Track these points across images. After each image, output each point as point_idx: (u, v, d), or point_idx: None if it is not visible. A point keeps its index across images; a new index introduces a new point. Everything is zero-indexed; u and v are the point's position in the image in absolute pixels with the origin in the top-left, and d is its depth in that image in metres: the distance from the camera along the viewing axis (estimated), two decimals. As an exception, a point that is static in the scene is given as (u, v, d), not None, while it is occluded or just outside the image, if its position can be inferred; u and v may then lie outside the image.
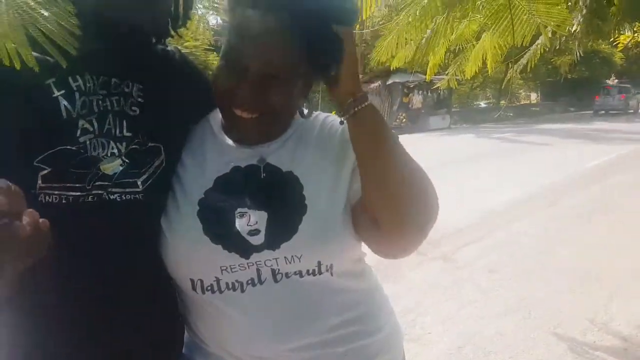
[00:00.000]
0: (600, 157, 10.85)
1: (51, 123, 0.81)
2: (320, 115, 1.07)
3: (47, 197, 0.79)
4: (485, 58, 2.64)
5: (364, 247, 1.02)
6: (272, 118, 0.92)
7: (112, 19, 0.83)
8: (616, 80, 32.59)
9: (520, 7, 2.01)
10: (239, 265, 0.90)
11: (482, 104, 36.40)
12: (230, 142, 0.99)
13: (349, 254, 0.99)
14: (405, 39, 2.54)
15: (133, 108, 0.91)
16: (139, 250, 0.92)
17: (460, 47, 2.91)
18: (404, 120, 20.55)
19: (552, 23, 1.97)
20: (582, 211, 6.38)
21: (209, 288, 0.93)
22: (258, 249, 0.90)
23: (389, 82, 20.62)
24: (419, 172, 0.94)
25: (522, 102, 40.28)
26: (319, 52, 0.87)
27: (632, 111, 29.12)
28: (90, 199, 0.83)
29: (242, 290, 0.92)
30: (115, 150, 0.86)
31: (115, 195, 0.85)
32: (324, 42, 0.86)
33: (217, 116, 1.03)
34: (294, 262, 0.91)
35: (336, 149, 0.99)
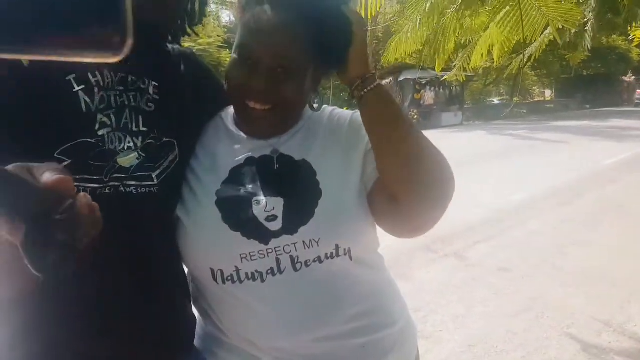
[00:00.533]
0: (616, 155, 10.71)
1: (71, 116, 0.83)
2: (327, 108, 1.11)
3: None
4: (492, 49, 2.62)
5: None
6: (284, 110, 0.96)
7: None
8: (633, 77, 32.15)
9: (530, 3, 1.99)
10: (258, 252, 0.92)
11: (495, 101, 36.15)
12: (243, 135, 1.03)
13: (365, 238, 1.01)
14: (415, 34, 2.54)
15: (149, 104, 0.94)
16: (154, 243, 0.94)
17: (469, 39, 2.89)
18: (416, 117, 20.46)
19: (560, 18, 1.95)
20: (597, 210, 6.30)
21: (229, 278, 0.94)
22: (276, 234, 0.93)
23: (401, 78, 20.56)
24: (433, 148, 0.95)
25: (536, 99, 39.95)
26: (328, 44, 0.92)
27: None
28: (107, 191, 0.85)
29: (262, 280, 0.93)
30: (132, 144, 0.89)
31: (132, 188, 0.88)
32: (332, 35, 0.91)
33: (229, 112, 1.08)
34: (312, 246, 0.93)
35: (345, 135, 1.03)
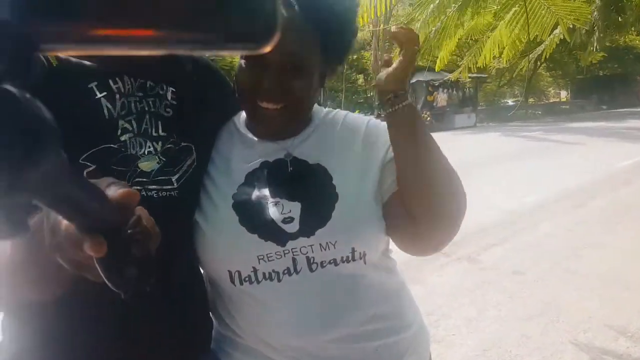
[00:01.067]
0: (631, 157, 10.53)
1: (94, 123, 0.86)
2: (340, 112, 1.12)
3: None
4: (501, 48, 2.60)
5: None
6: (296, 109, 0.98)
7: None
8: (650, 78, 31.69)
9: (538, 2, 1.97)
10: (275, 253, 0.94)
11: (510, 102, 35.87)
12: (255, 139, 1.05)
13: (379, 243, 1.02)
14: (421, 33, 2.53)
15: (167, 110, 0.96)
16: (174, 246, 0.94)
17: (474, 39, 2.87)
18: (428, 118, 20.38)
19: (570, 17, 1.92)
20: (612, 213, 6.19)
21: (246, 279, 0.96)
22: (293, 236, 0.94)
23: (413, 80, 20.48)
24: (450, 167, 0.98)
25: (551, 100, 39.56)
26: (334, 42, 0.96)
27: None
28: None
29: (279, 280, 0.95)
30: (152, 149, 0.91)
31: (153, 192, 0.90)
32: (335, 32, 0.96)
33: (241, 116, 1.10)
34: (328, 248, 0.94)
35: (362, 142, 1.05)
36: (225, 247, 0.96)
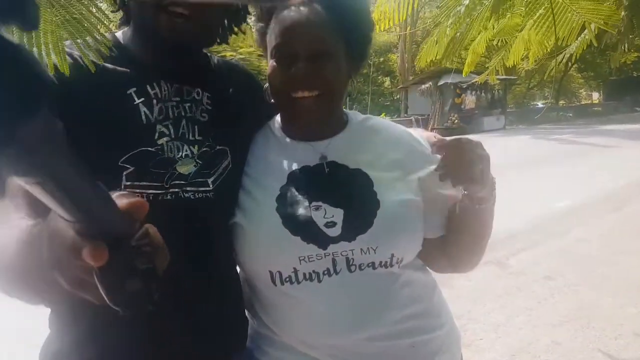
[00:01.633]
0: (669, 159, 10.23)
1: (132, 127, 0.89)
2: (379, 120, 1.16)
3: None
4: (528, 49, 2.56)
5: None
6: (328, 96, 1.00)
7: (169, 38, 0.90)
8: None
9: (564, 5, 1.94)
10: (316, 255, 0.96)
11: (539, 104, 35.17)
12: (293, 142, 1.08)
13: (417, 250, 1.05)
14: (445, 37, 2.52)
15: (203, 114, 0.99)
16: (210, 246, 0.99)
17: (503, 41, 2.84)
18: (456, 121, 20.15)
19: (597, 20, 1.89)
20: (648, 218, 6.03)
21: (287, 279, 0.98)
22: (335, 240, 0.97)
23: (440, 82, 20.30)
24: (492, 222, 1.08)
25: (582, 102, 38.65)
26: (354, 26, 1.01)
27: None
28: (168, 197, 0.90)
29: (319, 281, 0.97)
30: (189, 152, 0.94)
31: (189, 193, 0.93)
32: (356, 17, 1.01)
33: (276, 120, 1.13)
34: (369, 253, 0.97)
35: (405, 155, 1.08)
36: (267, 248, 0.99)
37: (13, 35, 0.71)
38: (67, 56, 0.80)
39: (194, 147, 0.95)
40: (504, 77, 21.66)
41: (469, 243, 1.08)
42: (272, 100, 1.04)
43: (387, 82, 30.54)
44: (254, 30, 1.08)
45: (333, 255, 0.96)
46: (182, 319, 0.94)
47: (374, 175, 1.02)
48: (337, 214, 0.98)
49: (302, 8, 0.97)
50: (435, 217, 1.07)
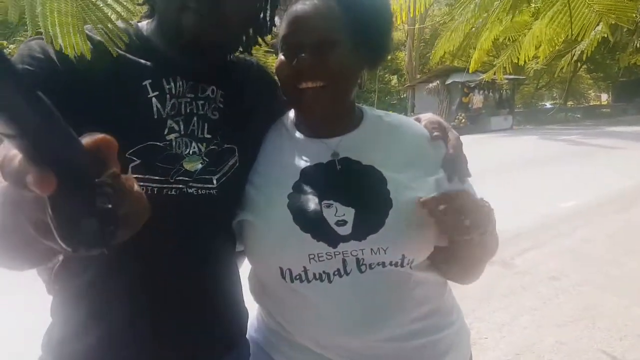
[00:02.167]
0: (677, 162, 10.16)
1: (144, 121, 0.89)
2: (396, 116, 1.15)
3: None
4: (539, 46, 2.55)
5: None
6: (334, 87, 0.98)
7: (191, 38, 0.90)
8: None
9: (581, 0, 1.94)
10: (325, 254, 0.95)
11: (548, 105, 34.96)
12: (305, 138, 1.07)
13: (429, 251, 1.02)
14: (458, 33, 2.52)
15: (214, 112, 1.00)
16: (211, 241, 0.99)
17: (510, 39, 2.82)
18: (463, 120, 20.08)
19: (612, 15, 1.88)
20: (655, 219, 5.99)
21: (297, 277, 0.98)
22: (345, 239, 0.95)
23: (448, 81, 20.24)
24: (495, 244, 1.07)
25: (591, 103, 38.40)
26: (367, 17, 0.98)
27: None
28: (172, 192, 0.90)
29: (330, 281, 0.96)
30: (197, 150, 0.94)
31: (193, 189, 0.93)
32: (370, 8, 0.99)
33: (289, 117, 1.12)
34: (379, 253, 0.95)
35: (419, 154, 1.06)
36: (277, 243, 0.98)
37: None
38: (87, 40, 0.81)
39: (202, 145, 0.95)
40: (513, 76, 21.54)
41: (461, 271, 1.09)
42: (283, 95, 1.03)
43: (394, 80, 30.45)
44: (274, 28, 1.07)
45: (343, 255, 0.95)
46: (181, 311, 0.95)
47: (387, 174, 1.00)
48: (348, 213, 0.97)
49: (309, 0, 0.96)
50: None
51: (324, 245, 0.95)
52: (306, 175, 1.02)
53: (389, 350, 0.99)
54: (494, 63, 3.04)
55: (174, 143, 0.91)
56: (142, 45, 0.94)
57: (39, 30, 0.79)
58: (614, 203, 6.87)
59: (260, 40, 1.10)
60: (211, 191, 0.95)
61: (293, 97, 1.00)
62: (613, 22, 1.96)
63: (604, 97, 39.95)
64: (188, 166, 0.92)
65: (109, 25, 0.82)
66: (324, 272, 0.96)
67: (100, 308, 0.91)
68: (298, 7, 0.97)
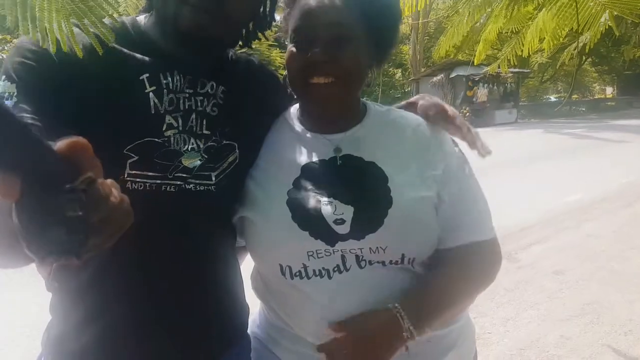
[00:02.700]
0: (683, 155, 10.10)
1: (141, 116, 0.88)
2: (396, 112, 1.12)
3: (133, 185, 0.86)
4: (543, 38, 2.54)
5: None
6: (346, 83, 0.97)
7: (190, 32, 0.89)
8: None
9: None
10: (324, 251, 0.95)
11: (552, 98, 34.81)
12: (308, 133, 1.06)
13: (430, 250, 1.00)
14: (463, 27, 2.51)
15: (213, 109, 0.98)
16: (208, 237, 0.99)
17: (514, 30, 2.80)
18: (467, 114, 20.00)
19: (615, 7, 1.87)
20: (660, 213, 5.97)
21: (297, 274, 0.98)
22: (343, 237, 0.95)
23: (452, 75, 20.15)
24: (469, 295, 1.04)
25: (596, 97, 38.20)
26: (379, 13, 0.98)
27: None
28: (171, 189, 0.90)
29: (329, 277, 0.96)
30: (195, 146, 0.93)
31: (191, 185, 0.92)
32: (382, 4, 0.98)
33: (292, 111, 1.11)
34: (378, 252, 0.95)
35: (422, 150, 1.04)
36: (275, 241, 0.98)
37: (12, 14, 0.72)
38: (79, 35, 0.79)
39: (200, 141, 0.94)
40: (517, 70, 21.41)
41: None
42: (290, 88, 1.02)
43: (399, 74, 30.33)
44: (280, 16, 1.05)
45: (342, 252, 0.95)
46: (181, 307, 0.95)
47: (389, 171, 0.99)
48: (347, 211, 0.95)
49: None
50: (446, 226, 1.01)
51: (322, 243, 0.95)
52: (307, 172, 1.01)
53: None
54: (498, 56, 3.02)
55: (172, 139, 0.90)
56: (139, 40, 0.93)
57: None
58: (619, 197, 6.84)
59: (260, 35, 1.09)
60: (210, 187, 0.95)
61: (302, 90, 0.99)
62: (617, 14, 1.95)
63: (609, 91, 39.73)
64: (187, 162, 0.91)
65: (93, 19, 0.79)
66: (323, 268, 0.96)
67: (99, 305, 0.91)
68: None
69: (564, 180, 8.03)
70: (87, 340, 0.91)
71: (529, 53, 2.73)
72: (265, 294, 1.12)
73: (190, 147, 0.92)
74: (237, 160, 1.00)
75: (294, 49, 0.97)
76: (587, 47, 2.85)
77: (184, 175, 0.91)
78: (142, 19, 0.98)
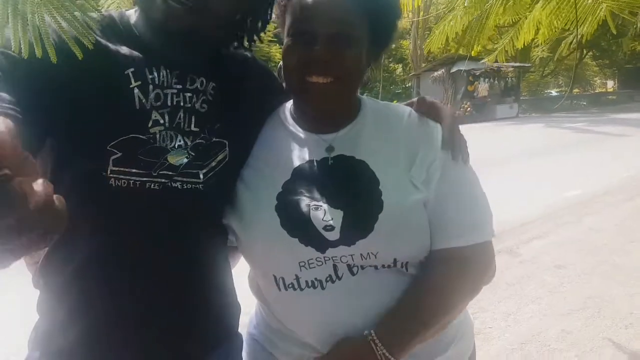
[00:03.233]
0: (684, 149, 10.08)
1: (125, 111, 0.86)
2: (391, 108, 1.09)
3: (116, 182, 0.84)
4: (538, 30, 2.53)
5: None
6: (344, 84, 0.94)
7: (176, 31, 0.87)
8: None
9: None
10: (315, 260, 0.93)
11: (553, 93, 34.73)
12: (301, 132, 1.03)
13: (423, 253, 0.98)
14: (459, 21, 2.50)
15: (203, 105, 0.95)
16: (196, 237, 0.97)
17: (511, 21, 2.80)
18: (468, 109, 19.97)
19: (616, 6, 1.86)
20: (661, 207, 5.96)
21: (290, 285, 0.96)
22: (333, 244, 0.92)
23: (453, 69, 20.10)
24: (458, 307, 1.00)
25: (597, 91, 38.11)
26: (381, 11, 0.94)
27: None
28: (155, 187, 0.88)
29: (322, 288, 0.94)
30: (182, 143, 0.91)
31: (177, 183, 0.90)
32: (381, 11, 0.94)
33: (286, 109, 1.08)
34: (369, 258, 0.93)
35: (417, 147, 1.00)
36: (265, 249, 0.96)
37: None
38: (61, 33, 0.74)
39: (188, 138, 0.92)
40: (518, 64, 21.34)
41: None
42: (284, 82, 1.00)
43: (399, 69, 30.26)
44: (275, 6, 1.01)
45: (333, 260, 0.92)
46: (168, 306, 0.94)
47: (381, 173, 0.96)
48: (336, 216, 0.92)
49: None
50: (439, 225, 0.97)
51: (312, 251, 0.92)
52: (298, 174, 0.98)
53: None
54: (497, 47, 3.01)
55: (157, 136, 0.88)
56: (127, 34, 0.91)
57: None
58: (620, 191, 6.83)
59: (257, 36, 1.05)
60: (198, 186, 0.92)
61: (298, 88, 0.96)
62: (613, 11, 1.95)
63: (610, 84, 39.62)
64: (172, 160, 0.89)
65: (65, 15, 0.74)
66: (316, 279, 0.94)
67: (85, 302, 0.90)
68: None
69: (565, 175, 8.02)
70: (73, 337, 0.90)
71: (525, 45, 2.72)
72: (261, 296, 1.10)
73: (177, 144, 0.90)
74: (227, 159, 0.97)
75: (292, 43, 0.93)
76: (585, 39, 2.84)
77: (170, 173, 0.89)
78: (131, 13, 0.95)
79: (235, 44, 1.04)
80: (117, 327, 0.91)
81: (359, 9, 0.91)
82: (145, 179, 0.86)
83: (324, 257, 0.93)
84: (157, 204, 0.89)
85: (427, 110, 1.05)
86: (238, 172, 1.02)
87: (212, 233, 1.01)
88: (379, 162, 0.97)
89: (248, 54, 1.12)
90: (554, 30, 2.49)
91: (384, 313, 0.94)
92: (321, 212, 0.93)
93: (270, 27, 1.06)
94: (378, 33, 0.97)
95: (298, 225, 0.93)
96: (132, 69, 0.87)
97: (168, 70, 0.91)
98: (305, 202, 0.95)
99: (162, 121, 0.89)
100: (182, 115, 0.92)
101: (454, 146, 1.00)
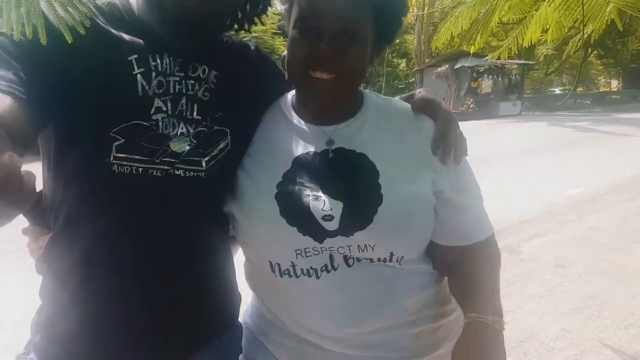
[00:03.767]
0: (688, 150, 10.04)
1: (128, 97, 0.86)
2: (393, 104, 1.09)
3: (119, 168, 0.85)
4: (546, 28, 2.50)
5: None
6: (348, 80, 0.95)
7: (175, 15, 0.87)
8: None
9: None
10: (312, 249, 0.93)
11: (557, 91, 34.65)
12: (302, 124, 1.03)
13: (420, 248, 0.99)
14: (465, 17, 2.48)
15: (205, 93, 0.96)
16: (198, 225, 0.97)
17: (517, 19, 2.77)
18: (471, 105, 19.92)
19: (623, 3, 1.84)
20: (664, 207, 5.94)
21: (286, 272, 0.96)
22: (331, 234, 0.93)
23: (457, 66, 20.03)
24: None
25: (601, 90, 38.01)
26: (388, 7, 0.94)
27: None
28: (158, 173, 0.88)
29: (317, 277, 0.95)
30: (184, 131, 0.91)
31: (180, 171, 0.91)
32: (387, 6, 0.94)
33: (287, 99, 1.08)
34: (366, 250, 0.93)
35: (418, 144, 1.00)
36: (263, 237, 0.97)
37: None
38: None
39: (190, 126, 0.92)
40: (522, 62, 21.27)
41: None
42: (287, 74, 0.99)
43: (403, 64, 30.18)
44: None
45: (330, 250, 0.93)
46: (169, 293, 0.94)
47: (381, 166, 0.96)
48: (335, 207, 0.93)
49: None
50: (444, 221, 0.99)
51: (310, 240, 0.93)
52: (298, 164, 0.98)
53: (381, 340, 0.98)
54: (502, 44, 2.99)
55: (160, 123, 0.88)
56: (131, 21, 0.91)
57: None
58: (623, 191, 6.81)
59: (260, 21, 1.06)
60: (200, 174, 0.93)
61: (301, 81, 0.96)
62: (620, 8, 1.93)
63: (614, 84, 39.50)
64: (175, 147, 0.89)
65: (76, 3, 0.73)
66: (311, 267, 0.94)
67: (88, 287, 0.90)
68: None
69: (567, 173, 8.00)
70: (75, 322, 0.90)
71: (532, 43, 2.69)
72: (256, 286, 1.11)
73: (179, 131, 0.90)
74: (228, 147, 0.98)
75: (298, 37, 0.92)
76: (592, 38, 2.82)
77: (172, 160, 0.89)
78: (134, 0, 0.95)
79: (236, 30, 1.04)
80: (120, 312, 0.91)
81: (367, 5, 0.91)
82: (148, 165, 0.87)
83: (321, 247, 0.93)
84: (160, 190, 0.89)
85: (424, 107, 1.05)
86: (239, 160, 1.02)
87: (215, 220, 1.02)
88: (380, 156, 0.97)
89: (250, 42, 1.12)
90: (562, 29, 2.47)
91: (377, 306, 0.96)
92: (321, 202, 0.93)
93: (275, 19, 1.06)
94: (383, 28, 0.96)
95: (297, 214, 0.93)
96: (135, 56, 0.87)
97: (171, 58, 0.92)
98: (305, 192, 0.95)
99: (164, 108, 0.89)
100: (184, 103, 0.92)
101: (445, 146, 0.99)
